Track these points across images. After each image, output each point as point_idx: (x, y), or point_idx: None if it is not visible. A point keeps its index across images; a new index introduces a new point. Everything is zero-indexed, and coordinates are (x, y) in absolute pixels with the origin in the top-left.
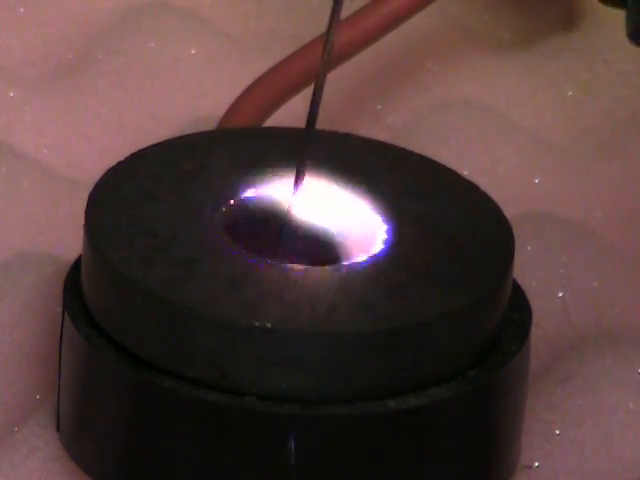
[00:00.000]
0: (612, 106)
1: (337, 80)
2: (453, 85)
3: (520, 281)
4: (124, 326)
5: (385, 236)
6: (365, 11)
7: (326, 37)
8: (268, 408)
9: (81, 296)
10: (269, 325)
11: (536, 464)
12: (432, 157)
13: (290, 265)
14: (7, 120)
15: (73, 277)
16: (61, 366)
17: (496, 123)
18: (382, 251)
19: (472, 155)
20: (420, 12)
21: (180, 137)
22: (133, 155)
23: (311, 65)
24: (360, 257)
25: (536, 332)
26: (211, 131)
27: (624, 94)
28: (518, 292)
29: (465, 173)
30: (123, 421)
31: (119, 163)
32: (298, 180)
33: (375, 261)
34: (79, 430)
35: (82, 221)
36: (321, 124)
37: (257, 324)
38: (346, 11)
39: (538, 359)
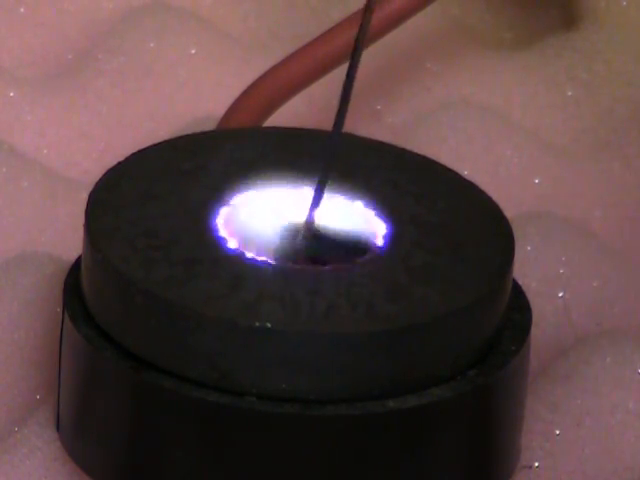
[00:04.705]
0: (612, 106)
1: (336, 80)
2: (453, 85)
3: (520, 281)
4: (124, 326)
5: (385, 236)
6: None
7: (360, 29)
8: (268, 408)
9: (81, 296)
10: (269, 325)
11: (536, 464)
12: (432, 157)
13: (290, 265)
14: (7, 120)
15: (73, 277)
16: (61, 366)
17: (496, 123)
18: (382, 251)
19: (472, 155)
20: (420, 12)
21: (180, 137)
22: (133, 155)
23: (311, 65)
24: (360, 257)
25: (536, 332)
26: (211, 131)
27: (624, 94)
28: (518, 292)
29: (465, 173)
30: (123, 421)
31: (119, 163)
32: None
33: (375, 261)
34: (79, 430)
35: (82, 221)
36: (321, 124)
37: (257, 324)
38: (346, 11)
39: (538, 359)
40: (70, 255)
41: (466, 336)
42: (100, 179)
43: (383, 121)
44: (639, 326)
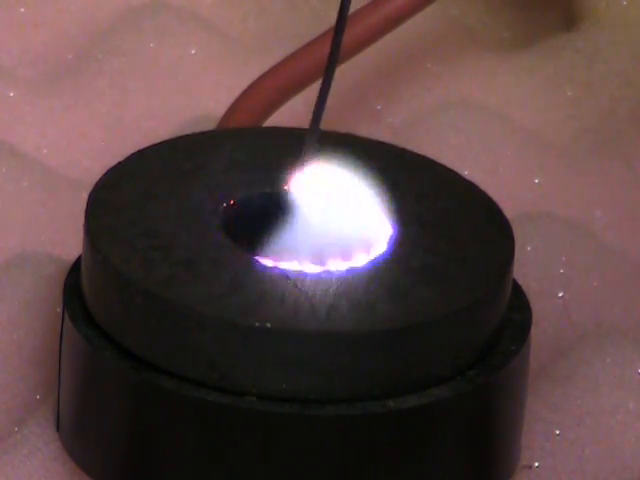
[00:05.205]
0: (612, 106)
1: (337, 80)
2: (453, 85)
3: (520, 281)
4: (124, 326)
5: (385, 236)
6: (365, 11)
7: (334, 34)
8: (268, 408)
9: (81, 296)
10: (269, 325)
11: (536, 464)
12: (432, 157)
13: (290, 265)
14: (7, 120)
15: (73, 277)
16: (61, 366)
17: (496, 123)
18: (382, 251)
19: (472, 155)
20: (420, 12)
21: (180, 137)
22: (133, 155)
23: (311, 65)
24: (360, 257)
25: (536, 332)
26: (211, 131)
27: (624, 94)
28: (518, 292)
29: (465, 173)
30: (123, 421)
31: (119, 163)
32: (299, 175)
33: (375, 261)
34: (79, 430)
35: (82, 221)
36: (321, 124)
37: (257, 324)
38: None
39: (538, 359)
40: (70, 255)
41: (466, 336)
42: (100, 179)
43: (383, 121)
44: (639, 326)
